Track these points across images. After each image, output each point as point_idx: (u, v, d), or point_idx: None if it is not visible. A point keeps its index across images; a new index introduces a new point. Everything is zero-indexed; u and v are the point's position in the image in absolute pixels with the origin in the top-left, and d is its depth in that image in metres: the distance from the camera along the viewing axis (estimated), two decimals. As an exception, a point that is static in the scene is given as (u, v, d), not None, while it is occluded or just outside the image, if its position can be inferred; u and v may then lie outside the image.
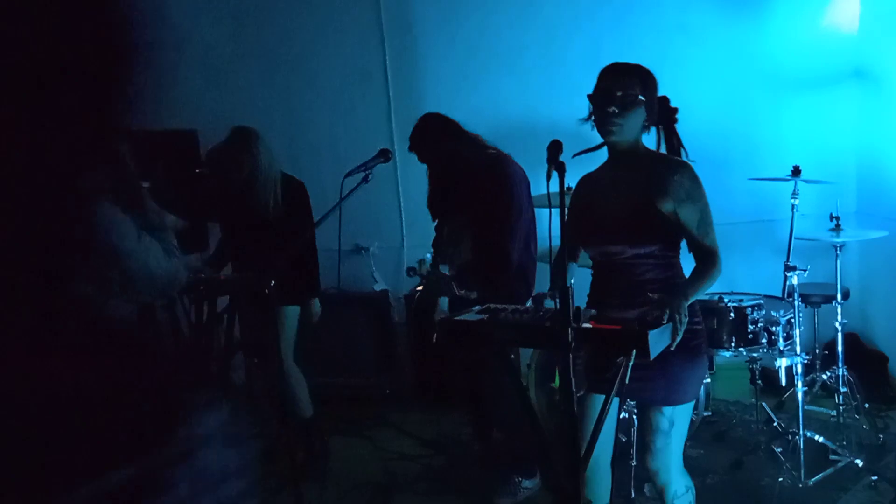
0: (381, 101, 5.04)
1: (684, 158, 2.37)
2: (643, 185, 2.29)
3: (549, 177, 2.07)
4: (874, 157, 4.56)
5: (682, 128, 4.58)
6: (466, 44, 4.93)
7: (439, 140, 3.22)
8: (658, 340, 1.99)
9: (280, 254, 2.81)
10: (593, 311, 2.13)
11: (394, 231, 5.15)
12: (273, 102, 5.03)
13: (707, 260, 2.30)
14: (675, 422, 2.32)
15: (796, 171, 3.52)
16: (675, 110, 2.37)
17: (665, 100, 2.36)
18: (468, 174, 3.18)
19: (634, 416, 3.37)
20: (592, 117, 2.36)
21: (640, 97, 2.27)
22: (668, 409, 2.31)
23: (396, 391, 4.79)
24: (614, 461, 2.28)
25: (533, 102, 4.72)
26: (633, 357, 2.00)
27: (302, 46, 5.04)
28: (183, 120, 4.70)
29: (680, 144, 2.37)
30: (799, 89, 4.70)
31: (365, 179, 2.76)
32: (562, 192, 2.06)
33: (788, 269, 3.29)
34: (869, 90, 4.57)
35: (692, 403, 2.38)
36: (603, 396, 2.16)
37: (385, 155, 2.91)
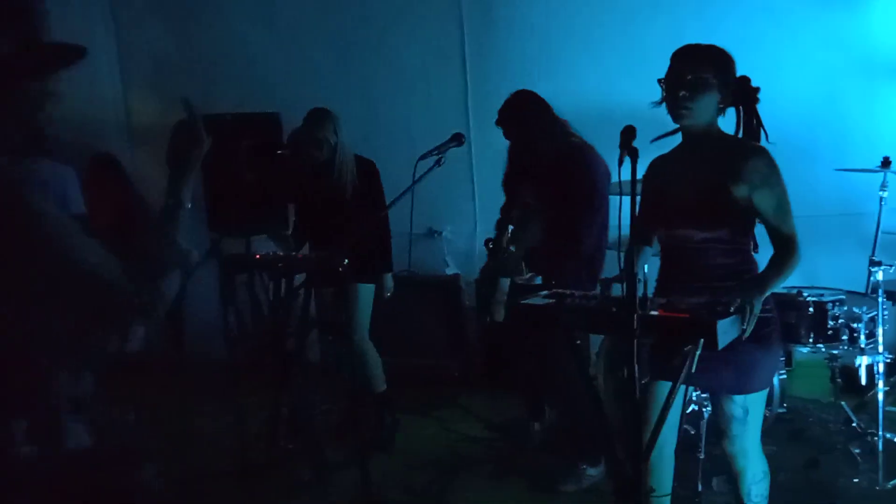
0: (458, 84, 5.07)
1: (764, 141, 2.32)
2: (716, 168, 2.26)
3: (621, 162, 2.06)
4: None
5: (764, 114, 4.45)
6: (544, 26, 4.90)
7: (529, 118, 3.23)
8: (727, 330, 1.97)
9: (353, 233, 2.88)
10: (663, 300, 2.11)
11: (467, 216, 5.18)
12: (350, 85, 5.13)
13: (785, 248, 2.25)
14: (750, 409, 2.30)
15: (886, 163, 3.37)
16: (756, 90, 2.32)
17: (745, 80, 2.31)
18: (551, 157, 3.20)
19: (705, 409, 3.33)
20: (665, 101, 2.33)
21: (712, 80, 2.23)
22: (739, 398, 2.29)
23: (465, 374, 4.84)
24: (678, 451, 2.27)
25: (611, 86, 4.64)
26: (700, 346, 1.98)
27: (380, 29, 5.11)
28: (266, 103, 4.88)
29: (760, 125, 2.31)
30: (894, 76, 4.47)
31: (438, 163, 2.80)
32: (633, 178, 2.05)
33: (874, 263, 3.17)
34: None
35: (766, 391, 2.34)
36: (668, 384, 2.15)
37: (458, 139, 2.94)
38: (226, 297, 3.88)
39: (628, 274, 1.88)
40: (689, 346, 2.03)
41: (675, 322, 1.99)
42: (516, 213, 3.31)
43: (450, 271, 4.91)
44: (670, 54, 2.46)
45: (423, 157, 2.81)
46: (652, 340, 2.31)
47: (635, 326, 1.81)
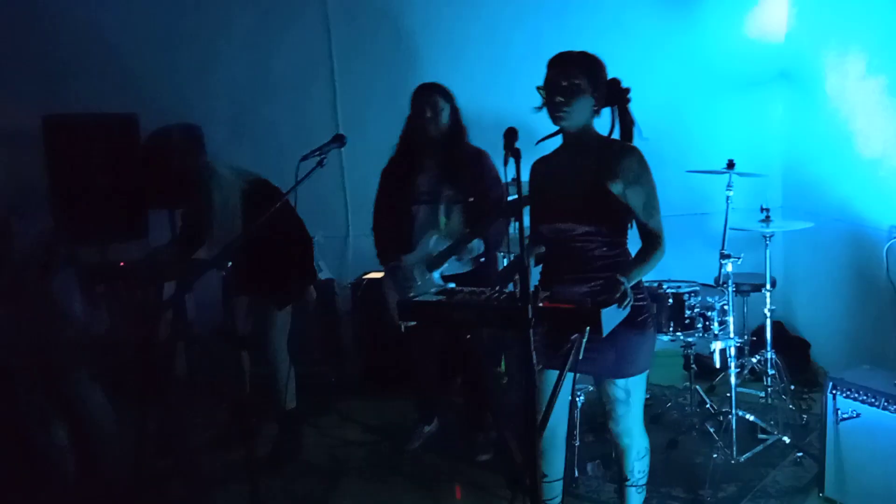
0: (327, 88, 5.05)
1: (638, 137, 2.49)
2: (593, 167, 2.40)
3: (506, 163, 2.14)
4: (798, 154, 4.83)
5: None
6: (411, 36, 4.99)
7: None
8: (610, 318, 2.09)
9: (239, 236, 2.78)
10: (546, 292, 2.21)
11: (339, 220, 5.16)
12: (216, 89, 4.96)
13: (651, 242, 2.43)
14: (631, 391, 2.47)
15: (731, 165, 3.70)
16: (627, 90, 2.48)
17: (616, 82, 2.48)
18: (468, 160, 3.47)
19: (578, 399, 3.51)
20: (545, 106, 2.46)
21: (585, 84, 2.38)
22: (622, 381, 2.45)
23: (341, 379, 4.81)
24: (569, 436, 2.39)
25: (478, 95, 4.74)
26: (587, 334, 2.09)
27: (246, 33, 4.99)
28: (122, 104, 4.61)
29: (633, 123, 2.48)
30: (730, 89, 4.94)
31: (320, 164, 2.76)
32: (518, 178, 2.14)
33: (724, 256, 3.47)
34: (794, 92, 4.84)
35: (645, 374, 2.50)
36: (557, 372, 2.25)
37: (340, 140, 2.92)
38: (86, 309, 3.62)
39: (520, 266, 1.95)
40: (576, 335, 2.14)
41: (562, 312, 2.09)
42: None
43: (323, 276, 4.85)
44: (533, 64, 2.62)
45: (304, 158, 2.76)
46: (540, 331, 2.40)
47: (530, 317, 1.88)
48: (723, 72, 4.91)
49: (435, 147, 3.49)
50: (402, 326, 3.32)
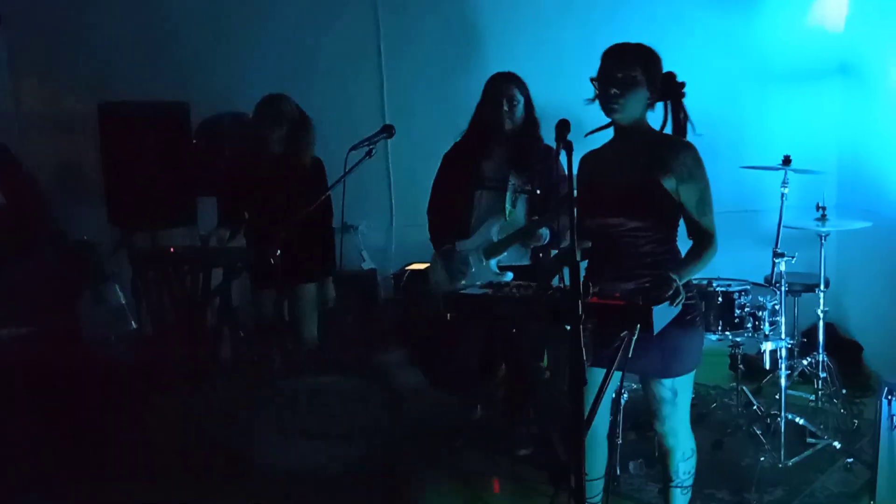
0: (374, 80, 5.04)
1: (691, 133, 2.44)
2: (645, 161, 2.36)
3: (557, 155, 2.12)
4: (855, 151, 4.69)
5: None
6: (462, 26, 4.95)
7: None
8: (661, 316, 2.05)
9: (286, 225, 2.79)
10: (596, 288, 2.18)
11: (383, 210, 5.17)
12: (263, 78, 4.99)
13: (702, 240, 2.38)
14: (678, 391, 2.42)
15: (787, 161, 3.60)
16: (682, 85, 2.43)
17: (671, 76, 2.42)
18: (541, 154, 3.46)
19: (622, 396, 3.46)
20: (598, 98, 2.41)
21: (640, 77, 2.33)
22: (668, 381, 2.40)
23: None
24: (611, 434, 2.35)
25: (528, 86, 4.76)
26: (637, 332, 2.05)
27: (294, 21, 5.01)
28: (174, 92, 4.68)
29: (686, 118, 2.43)
30: (786, 82, 4.80)
31: (369, 154, 2.78)
32: (570, 170, 2.10)
33: (777, 255, 3.38)
34: (852, 86, 4.69)
35: (693, 373, 2.46)
36: (603, 370, 2.22)
37: (388, 130, 2.93)
38: (137, 294, 3.70)
39: (571, 261, 1.92)
40: (626, 332, 2.10)
41: (612, 309, 2.05)
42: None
43: (366, 266, 4.87)
44: (584, 57, 2.57)
45: (354, 148, 2.78)
46: (588, 327, 2.37)
47: (580, 313, 1.85)
48: (778, 63, 4.78)
49: (506, 137, 3.42)
50: (449, 315, 3.34)
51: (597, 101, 2.40)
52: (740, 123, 4.78)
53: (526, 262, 3.48)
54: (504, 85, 3.39)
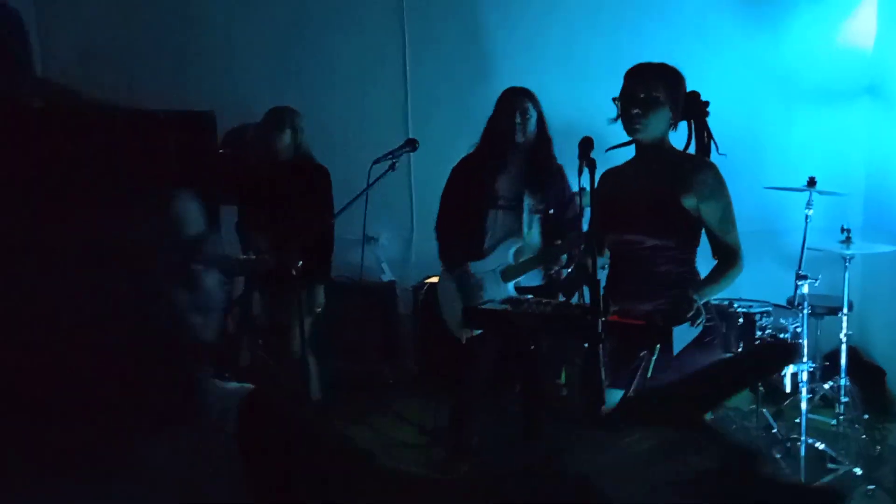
0: (398, 90, 5.07)
1: (714, 153, 2.43)
2: (666, 179, 2.36)
3: (580, 172, 2.12)
4: (882, 173, 4.63)
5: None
6: (487, 38, 4.97)
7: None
8: (681, 336, 2.04)
9: (304, 236, 2.82)
10: (616, 307, 2.18)
11: (404, 222, 5.18)
12: (286, 86, 5.05)
13: (728, 258, 2.38)
14: None
15: (811, 182, 3.57)
16: (706, 104, 2.43)
17: (695, 95, 2.42)
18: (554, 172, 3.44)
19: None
20: (620, 118, 2.42)
21: (663, 98, 2.33)
22: None
23: (398, 380, 4.83)
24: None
25: (551, 100, 4.75)
26: (656, 352, 2.04)
27: (318, 30, 5.06)
28: (198, 102, 4.74)
29: (710, 138, 2.42)
30: (812, 102, 4.76)
31: (392, 167, 2.79)
32: (593, 188, 2.11)
33: (800, 277, 3.35)
34: (880, 107, 4.64)
35: None
36: (621, 392, 2.21)
37: (412, 144, 2.95)
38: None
39: (591, 279, 1.92)
40: (645, 352, 2.10)
41: (632, 328, 2.05)
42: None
43: (385, 277, 4.88)
44: (610, 71, 2.57)
45: (377, 161, 2.80)
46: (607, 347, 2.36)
47: (600, 331, 1.85)
48: (805, 82, 4.74)
49: (518, 153, 3.37)
50: (464, 338, 3.32)
51: (619, 121, 2.40)
52: (765, 143, 4.75)
53: (538, 282, 3.43)
54: (517, 98, 3.35)
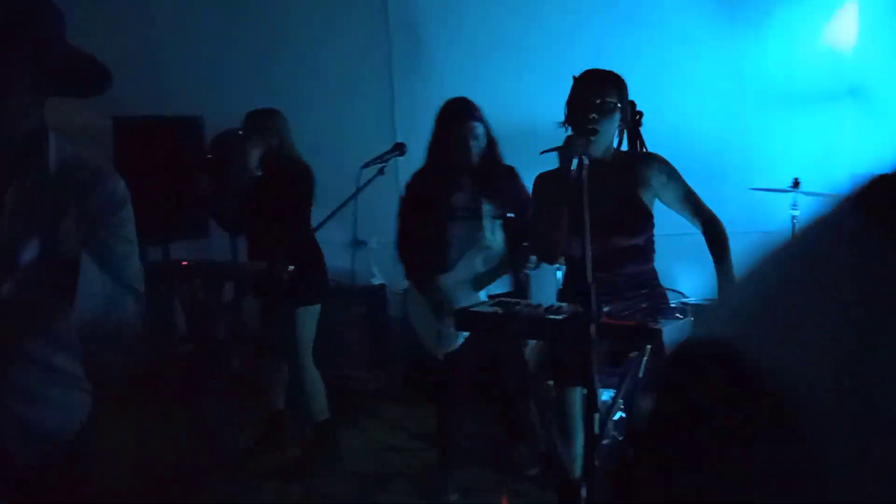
0: (384, 97, 5.08)
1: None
2: (625, 180, 2.41)
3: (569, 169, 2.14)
4: (866, 174, 4.68)
5: (679, 135, 4.67)
6: (471, 44, 4.99)
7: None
8: (672, 337, 2.06)
9: (294, 242, 2.80)
10: (607, 308, 2.19)
11: (393, 225, 5.16)
12: (273, 93, 5.04)
13: (713, 223, 2.50)
14: None
15: (796, 184, 3.62)
16: (640, 114, 2.50)
17: (632, 104, 2.46)
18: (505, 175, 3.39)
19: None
20: (569, 123, 2.43)
21: (618, 104, 2.35)
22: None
23: (388, 384, 4.83)
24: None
25: (534, 104, 4.77)
26: (647, 352, 2.06)
27: (306, 37, 5.07)
28: (184, 107, 4.73)
29: (643, 146, 2.48)
30: (795, 104, 4.82)
31: (381, 172, 2.80)
32: (585, 193, 2.12)
33: (786, 277, 3.38)
34: (863, 108, 4.70)
35: None
36: (611, 392, 2.22)
37: (400, 149, 2.96)
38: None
39: (584, 282, 1.94)
40: (635, 353, 2.11)
41: (625, 329, 2.06)
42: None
43: (376, 281, 4.88)
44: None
45: (366, 166, 2.81)
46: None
47: (593, 334, 1.86)
48: (788, 85, 4.79)
49: (470, 163, 3.32)
50: (441, 355, 3.31)
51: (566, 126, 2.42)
52: (749, 145, 4.79)
53: (508, 288, 3.41)
54: (465, 123, 3.28)
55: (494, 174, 3.33)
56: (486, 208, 3.33)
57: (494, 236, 3.32)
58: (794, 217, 3.69)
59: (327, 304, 3.97)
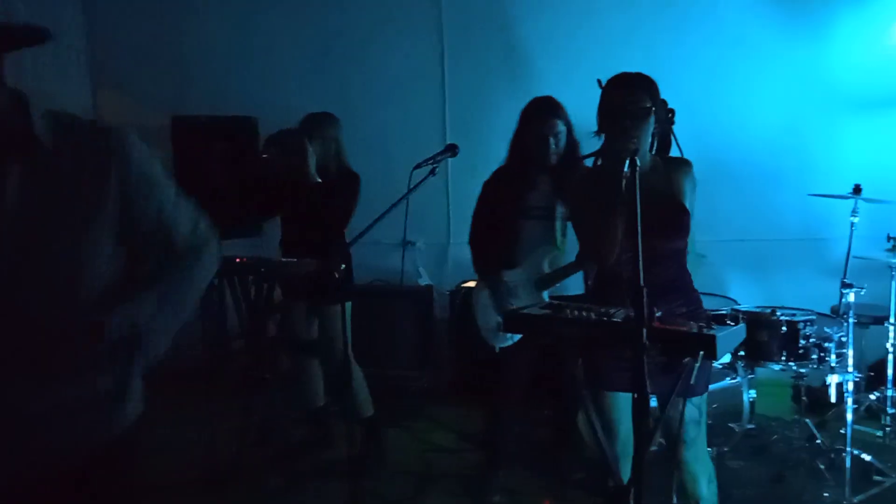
0: (437, 96, 5.10)
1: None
2: (662, 184, 2.37)
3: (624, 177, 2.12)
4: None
5: (734, 140, 4.58)
6: (524, 48, 4.98)
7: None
8: (724, 344, 2.02)
9: (343, 244, 2.83)
10: (659, 313, 2.16)
11: (440, 228, 5.20)
12: (327, 93, 5.10)
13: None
14: (702, 411, 2.44)
15: (857, 190, 3.52)
16: (673, 112, 2.51)
17: (664, 102, 2.42)
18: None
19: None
20: (603, 132, 2.39)
21: (651, 107, 2.30)
22: (696, 400, 2.40)
23: (434, 385, 4.84)
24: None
25: (587, 110, 4.75)
26: (700, 358, 2.02)
27: (360, 38, 5.12)
28: (241, 107, 4.83)
29: (675, 141, 2.46)
30: (856, 108, 4.68)
31: (432, 172, 2.81)
32: (637, 196, 2.09)
33: (845, 286, 3.29)
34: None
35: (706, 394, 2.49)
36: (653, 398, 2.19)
37: (453, 150, 2.97)
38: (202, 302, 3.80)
39: (637, 286, 1.91)
40: (688, 359, 2.08)
41: (677, 335, 2.03)
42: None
43: (423, 282, 4.91)
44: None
45: (418, 167, 2.83)
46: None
47: (644, 339, 1.84)
48: (851, 88, 4.66)
49: (547, 162, 3.33)
50: (497, 347, 3.32)
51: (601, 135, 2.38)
52: (809, 150, 4.68)
53: (579, 292, 3.37)
54: (547, 121, 3.28)
55: (571, 176, 3.28)
56: (560, 210, 3.31)
57: (565, 238, 3.31)
58: (853, 224, 3.58)
59: (375, 304, 4.01)
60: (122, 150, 1.46)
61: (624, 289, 2.33)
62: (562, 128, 3.29)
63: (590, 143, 3.43)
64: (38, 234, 1.36)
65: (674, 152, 2.65)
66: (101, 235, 1.42)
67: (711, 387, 2.80)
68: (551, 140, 3.26)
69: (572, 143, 3.34)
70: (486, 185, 3.54)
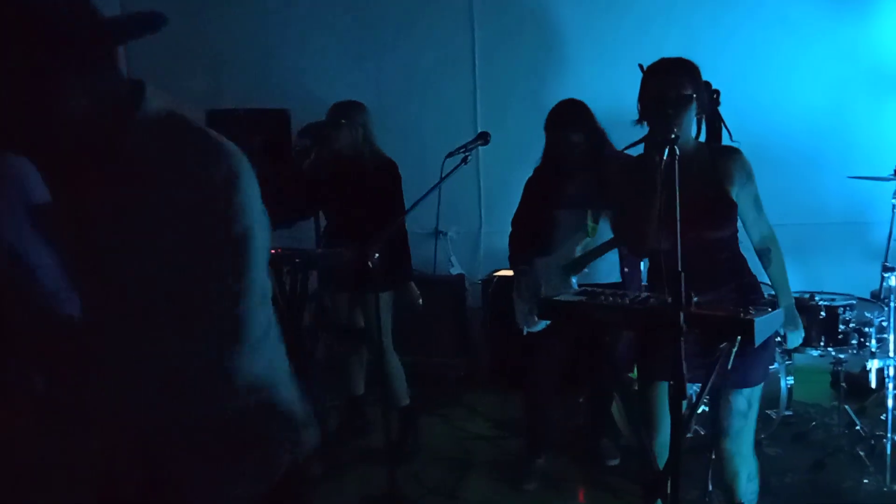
0: (468, 86, 5.09)
1: (727, 139, 2.47)
2: (707, 172, 2.33)
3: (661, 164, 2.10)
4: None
5: (775, 121, 4.49)
6: (556, 34, 4.94)
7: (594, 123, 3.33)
8: (763, 328, 2.01)
9: (381, 229, 2.85)
10: (696, 298, 2.14)
11: (472, 217, 5.20)
12: (360, 84, 5.13)
13: (772, 240, 2.44)
14: (752, 403, 2.38)
15: (900, 171, 3.45)
16: (717, 93, 2.43)
17: (708, 85, 2.38)
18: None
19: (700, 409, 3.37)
20: (644, 119, 2.35)
21: (692, 93, 2.26)
22: (747, 391, 2.36)
23: (470, 373, 4.87)
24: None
25: (623, 95, 4.69)
26: (737, 343, 2.01)
27: (393, 30, 5.13)
28: (275, 99, 4.88)
29: (722, 124, 2.41)
30: (900, 88, 4.57)
31: (464, 161, 2.82)
32: (676, 183, 2.08)
33: (887, 269, 3.23)
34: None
35: (762, 385, 2.42)
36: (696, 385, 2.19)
37: (484, 138, 2.97)
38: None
39: (674, 270, 1.91)
40: (725, 344, 2.07)
41: (715, 319, 2.02)
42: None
43: (454, 271, 4.92)
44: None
45: (450, 155, 2.83)
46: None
47: (682, 323, 1.83)
48: (891, 70, 4.55)
49: (572, 166, 3.35)
50: (525, 330, 3.35)
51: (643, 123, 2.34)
52: (850, 131, 4.58)
53: (615, 279, 3.38)
54: (558, 131, 3.30)
55: (602, 166, 3.27)
56: (595, 197, 3.30)
57: (596, 225, 3.32)
58: (895, 206, 3.51)
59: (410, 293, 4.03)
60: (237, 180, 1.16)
61: (697, 276, 2.34)
62: (578, 137, 3.28)
63: (628, 133, 3.44)
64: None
65: (723, 136, 2.58)
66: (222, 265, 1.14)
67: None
68: (566, 151, 3.28)
69: (597, 137, 3.31)
70: (527, 185, 3.57)
